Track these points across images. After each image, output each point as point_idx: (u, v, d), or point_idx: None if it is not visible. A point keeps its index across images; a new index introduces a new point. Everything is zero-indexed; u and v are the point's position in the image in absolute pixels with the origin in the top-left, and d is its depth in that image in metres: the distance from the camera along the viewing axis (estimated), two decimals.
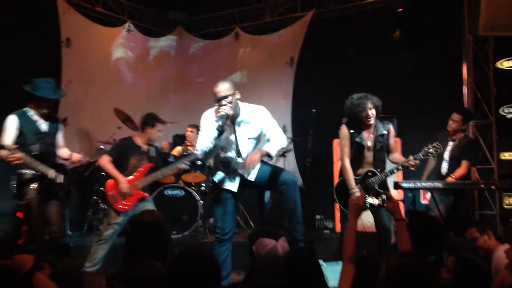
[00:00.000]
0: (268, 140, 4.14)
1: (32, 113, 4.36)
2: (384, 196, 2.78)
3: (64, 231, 4.52)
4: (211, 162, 4.27)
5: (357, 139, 4.37)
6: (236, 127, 4.09)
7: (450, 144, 5.26)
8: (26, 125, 4.29)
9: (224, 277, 3.96)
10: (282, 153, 6.86)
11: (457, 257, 2.20)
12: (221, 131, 3.88)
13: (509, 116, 6.32)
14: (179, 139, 7.26)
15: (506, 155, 6.23)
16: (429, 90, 6.66)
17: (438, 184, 4.90)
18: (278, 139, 4.09)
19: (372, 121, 4.36)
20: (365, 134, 4.40)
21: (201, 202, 6.18)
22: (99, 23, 7.72)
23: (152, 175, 4.89)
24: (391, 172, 4.36)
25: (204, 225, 6.22)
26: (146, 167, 4.87)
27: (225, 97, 3.90)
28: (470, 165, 5.24)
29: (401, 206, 5.62)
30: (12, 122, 4.26)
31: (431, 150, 4.31)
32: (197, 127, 6.78)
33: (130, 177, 4.79)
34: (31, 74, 6.43)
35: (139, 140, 4.93)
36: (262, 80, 8.09)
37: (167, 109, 8.05)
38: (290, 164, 7.30)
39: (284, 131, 7.83)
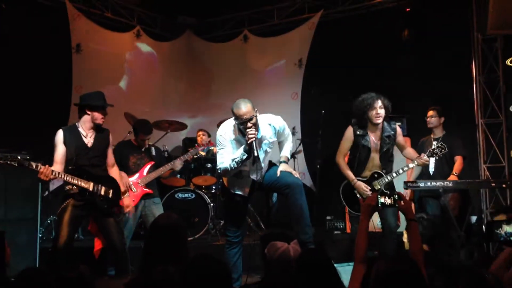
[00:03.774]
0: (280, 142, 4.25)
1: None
2: (396, 196, 2.77)
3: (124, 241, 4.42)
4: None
5: (362, 142, 4.40)
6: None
7: (434, 144, 5.26)
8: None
9: (235, 279, 3.98)
10: (292, 155, 6.86)
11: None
12: (249, 153, 3.81)
13: None
14: (189, 142, 7.33)
15: None
16: (438, 89, 6.64)
17: (448, 184, 4.91)
18: (290, 143, 4.26)
19: (380, 120, 4.35)
20: (371, 136, 4.42)
21: (212, 204, 6.21)
22: (108, 29, 7.81)
23: (154, 172, 5.12)
24: (397, 173, 4.42)
25: (215, 228, 6.25)
26: (147, 165, 5.10)
27: (251, 119, 3.79)
28: (464, 159, 5.36)
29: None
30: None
31: (436, 150, 4.42)
32: (207, 131, 6.89)
33: (135, 176, 5.01)
34: (42, 80, 6.65)
35: (135, 142, 5.19)
36: (271, 82, 8.12)
37: (177, 113, 8.12)
38: (300, 166, 7.30)
39: (293, 133, 7.91)
